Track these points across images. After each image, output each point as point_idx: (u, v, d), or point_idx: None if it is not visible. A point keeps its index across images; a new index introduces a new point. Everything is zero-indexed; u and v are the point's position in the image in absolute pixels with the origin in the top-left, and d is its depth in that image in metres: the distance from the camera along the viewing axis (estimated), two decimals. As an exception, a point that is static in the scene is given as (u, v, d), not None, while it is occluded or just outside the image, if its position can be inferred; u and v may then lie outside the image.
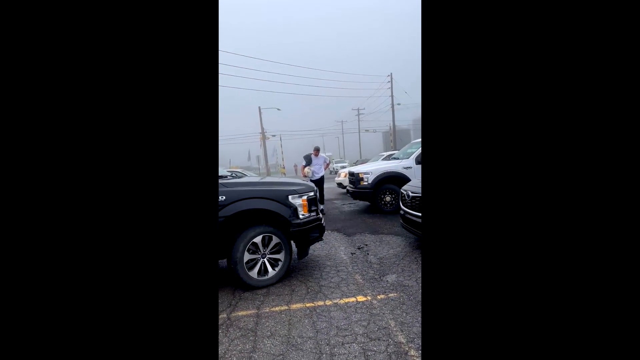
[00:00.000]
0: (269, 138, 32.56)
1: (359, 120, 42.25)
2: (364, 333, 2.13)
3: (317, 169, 6.96)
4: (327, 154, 7.96)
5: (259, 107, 30.96)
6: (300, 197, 3.24)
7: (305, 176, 6.71)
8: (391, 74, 30.77)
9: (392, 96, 30.33)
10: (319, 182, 6.94)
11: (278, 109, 31.14)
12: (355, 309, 2.47)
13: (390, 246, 4.08)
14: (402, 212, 3.99)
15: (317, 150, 7.03)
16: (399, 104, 31.64)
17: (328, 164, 7.25)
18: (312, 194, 3.35)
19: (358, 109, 41.60)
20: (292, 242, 3.24)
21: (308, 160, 6.88)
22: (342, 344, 2.03)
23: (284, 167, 29.07)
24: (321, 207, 6.20)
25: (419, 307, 2.42)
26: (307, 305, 2.61)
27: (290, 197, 3.18)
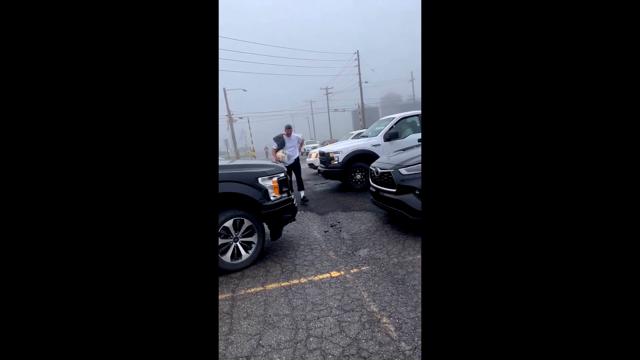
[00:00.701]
0: (236, 120, 31.55)
1: (327, 100, 41.96)
2: (339, 306, 2.20)
3: (292, 151, 5.87)
4: (298, 135, 7.01)
5: (224, 89, 29.72)
6: (271, 178, 3.20)
7: (279, 161, 5.64)
8: (357, 51, 30.55)
9: (359, 74, 30.26)
10: (295, 167, 5.99)
11: (244, 90, 30.07)
12: (330, 284, 2.54)
13: (361, 222, 4.19)
14: (372, 188, 4.09)
15: (289, 129, 5.94)
16: (366, 82, 31.69)
17: (302, 143, 6.23)
18: (282, 175, 3.32)
19: (326, 88, 41.20)
20: (264, 224, 3.22)
21: (280, 143, 5.84)
22: (318, 318, 2.09)
23: (253, 150, 28.49)
24: (302, 193, 5.98)
25: (390, 277, 2.53)
26: (282, 284, 2.64)
27: (260, 179, 3.14)
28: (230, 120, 30.04)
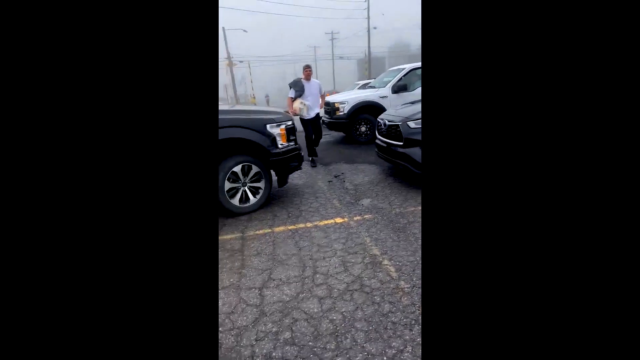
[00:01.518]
0: (236, 64, 30.15)
1: (332, 46, 39.66)
2: (343, 249, 2.36)
3: (313, 102, 4.73)
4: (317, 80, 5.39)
5: (223, 28, 27.88)
6: (279, 126, 3.20)
7: (295, 114, 4.58)
8: (368, -8, 28.11)
9: (368, 18, 28.22)
10: (315, 124, 4.84)
11: (245, 31, 28.25)
12: (334, 229, 2.69)
13: (365, 174, 4.27)
14: (377, 141, 4.10)
15: (308, 69, 4.69)
16: (375, 28, 29.69)
17: (324, 95, 5.11)
18: (290, 123, 3.31)
19: (332, 33, 38.72)
20: (271, 171, 3.29)
21: (299, 89, 4.60)
22: (324, 258, 2.25)
23: (254, 97, 27.69)
24: (310, 158, 4.97)
25: (392, 225, 2.67)
26: (289, 227, 2.79)
27: (268, 126, 3.13)
28: (230, 64, 28.70)
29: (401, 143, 3.49)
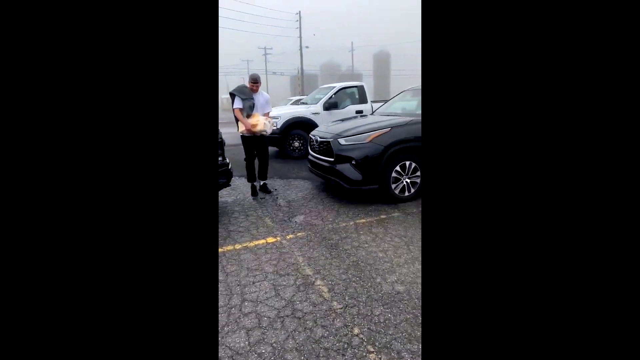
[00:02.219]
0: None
1: (265, 61, 39.79)
2: (274, 271, 2.23)
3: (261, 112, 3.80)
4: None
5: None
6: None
7: (253, 132, 3.68)
8: (299, 12, 29.15)
9: (300, 37, 29.14)
10: (261, 145, 3.87)
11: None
12: (266, 250, 2.55)
13: (298, 189, 4.22)
14: (310, 157, 4.10)
15: (256, 83, 3.68)
16: (307, 47, 30.74)
17: (268, 113, 3.93)
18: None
19: (265, 48, 38.92)
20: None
21: (247, 96, 3.62)
22: (253, 282, 2.09)
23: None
24: (259, 183, 4.06)
25: (325, 242, 2.64)
26: (216, 251, 2.56)
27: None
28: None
29: (332, 159, 3.54)
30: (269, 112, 3.91)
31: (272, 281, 2.10)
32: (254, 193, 4.02)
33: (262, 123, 3.67)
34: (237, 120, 3.76)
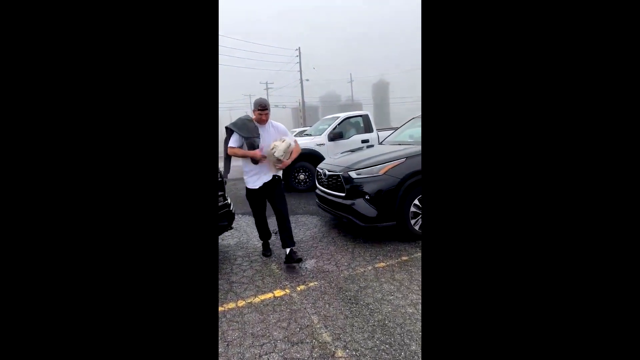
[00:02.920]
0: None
1: (267, 95, 40.87)
2: (285, 337, 1.84)
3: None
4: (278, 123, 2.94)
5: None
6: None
7: (261, 162, 2.71)
8: (299, 47, 30.28)
9: (300, 71, 30.03)
10: (274, 190, 2.82)
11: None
12: (273, 307, 2.17)
13: (306, 227, 3.88)
14: (318, 191, 3.80)
15: (263, 107, 2.68)
16: (307, 80, 31.61)
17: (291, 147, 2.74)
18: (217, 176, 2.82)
19: (267, 83, 40.14)
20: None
21: (248, 133, 2.65)
22: (260, 356, 1.71)
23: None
24: (287, 250, 2.73)
25: (341, 295, 2.26)
26: (215, 310, 2.18)
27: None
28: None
29: (343, 194, 3.23)
30: (296, 143, 2.81)
31: (282, 353, 1.71)
32: (265, 252, 3.07)
33: (283, 145, 2.61)
34: (228, 161, 2.82)
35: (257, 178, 2.77)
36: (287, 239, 2.79)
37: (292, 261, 2.74)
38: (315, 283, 2.47)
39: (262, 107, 2.67)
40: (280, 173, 2.86)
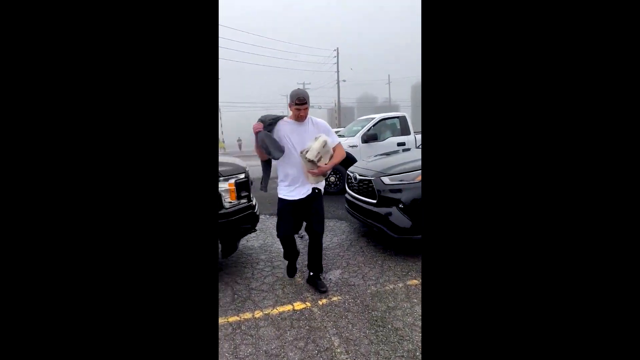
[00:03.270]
0: (206, 109, 29.90)
1: (304, 95, 41.20)
2: (301, 359, 1.66)
3: (299, 169, 2.22)
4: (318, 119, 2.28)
5: (195, 74, 27.99)
6: (227, 180, 2.59)
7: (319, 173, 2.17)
8: (337, 48, 30.12)
9: (337, 72, 29.86)
10: (313, 204, 2.28)
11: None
12: (291, 322, 2.00)
13: (334, 233, 3.68)
14: (347, 196, 3.59)
15: (301, 101, 2.10)
16: (344, 81, 31.37)
17: (336, 147, 2.27)
18: (242, 176, 2.72)
19: (304, 83, 40.48)
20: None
21: (268, 135, 2.13)
22: (271, 379, 1.54)
23: (223, 142, 27.21)
24: (320, 284, 2.36)
25: (367, 315, 2.03)
26: (230, 320, 2.06)
27: (212, 180, 2.51)
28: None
29: (374, 201, 2.99)
30: (337, 144, 2.26)
31: (296, 379, 1.53)
32: (291, 273, 2.61)
33: (317, 144, 2.06)
34: (267, 168, 2.35)
35: (292, 188, 2.23)
36: (316, 266, 2.41)
37: (317, 285, 2.39)
38: (339, 297, 2.26)
39: (300, 101, 2.10)
40: (322, 185, 2.31)
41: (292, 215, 2.29)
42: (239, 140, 36.00)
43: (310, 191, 2.25)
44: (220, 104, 31.79)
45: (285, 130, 2.19)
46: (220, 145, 26.38)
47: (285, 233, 2.34)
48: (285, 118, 2.24)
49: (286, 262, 2.70)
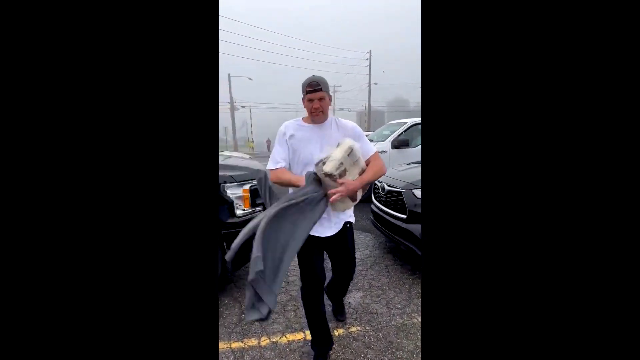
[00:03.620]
0: (238, 109, 30.63)
1: (334, 98, 41.13)
2: (307, 410, 1.38)
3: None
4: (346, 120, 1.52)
5: (229, 74, 28.76)
6: (241, 185, 2.38)
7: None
8: (370, 51, 29.65)
9: (369, 74, 29.39)
10: (336, 246, 1.65)
11: (250, 79, 29.13)
12: (300, 356, 1.72)
13: (357, 247, 3.36)
14: (373, 207, 3.27)
15: (314, 88, 1.42)
16: (375, 84, 30.81)
17: (372, 158, 1.57)
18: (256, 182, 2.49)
19: (334, 86, 40.35)
20: (224, 245, 2.40)
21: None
22: None
23: (252, 141, 27.62)
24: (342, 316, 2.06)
25: (390, 354, 1.71)
26: (233, 345, 1.82)
27: (226, 186, 2.31)
28: (232, 108, 29.11)
29: (404, 216, 2.65)
30: (373, 154, 1.59)
31: None
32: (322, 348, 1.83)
33: (338, 152, 1.37)
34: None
35: (319, 220, 1.41)
36: (340, 292, 2.00)
37: (339, 312, 2.07)
38: (358, 329, 1.96)
39: (311, 87, 1.43)
40: (352, 218, 1.68)
41: (316, 256, 1.57)
42: (268, 141, 36.52)
43: (341, 226, 1.60)
44: (250, 104, 32.32)
45: (301, 139, 1.50)
46: (248, 145, 26.78)
47: (316, 285, 1.58)
48: (299, 120, 1.57)
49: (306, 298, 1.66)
